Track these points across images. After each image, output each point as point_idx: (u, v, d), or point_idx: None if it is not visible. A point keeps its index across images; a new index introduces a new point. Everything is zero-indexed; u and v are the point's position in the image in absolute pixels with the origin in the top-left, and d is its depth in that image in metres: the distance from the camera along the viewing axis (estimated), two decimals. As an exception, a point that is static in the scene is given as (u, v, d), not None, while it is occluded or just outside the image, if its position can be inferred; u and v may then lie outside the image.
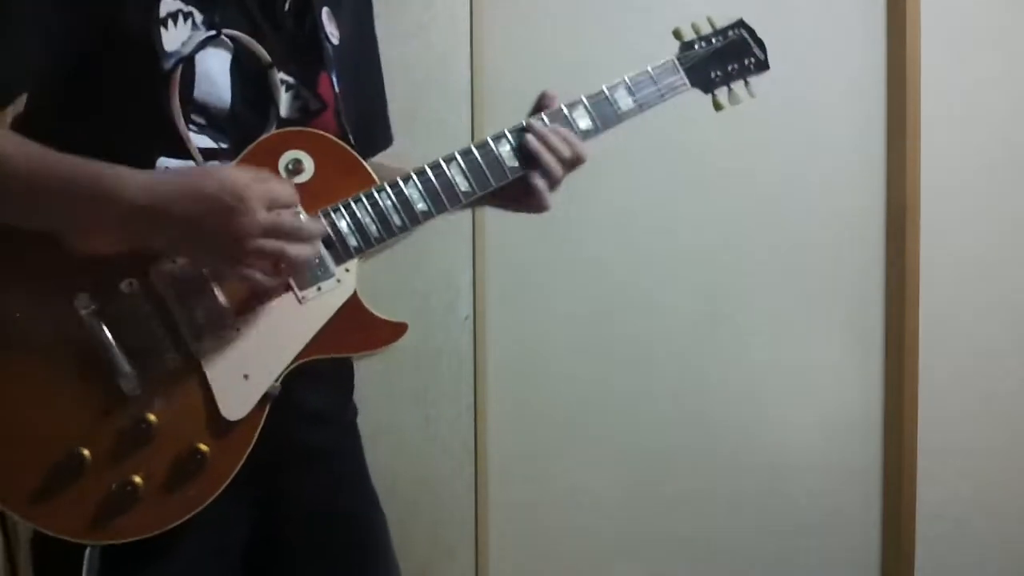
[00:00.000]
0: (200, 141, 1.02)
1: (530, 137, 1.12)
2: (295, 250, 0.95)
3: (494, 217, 1.93)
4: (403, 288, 1.86)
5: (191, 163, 1.00)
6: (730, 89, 1.28)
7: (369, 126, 1.19)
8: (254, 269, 0.95)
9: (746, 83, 1.29)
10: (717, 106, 1.27)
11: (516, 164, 1.12)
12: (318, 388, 1.13)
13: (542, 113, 1.14)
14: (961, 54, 2.01)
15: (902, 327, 2.00)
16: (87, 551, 0.97)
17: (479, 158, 1.10)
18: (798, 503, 2.05)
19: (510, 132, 1.12)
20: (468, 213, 1.91)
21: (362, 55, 1.25)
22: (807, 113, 1.99)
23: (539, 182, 1.13)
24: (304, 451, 1.14)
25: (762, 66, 1.29)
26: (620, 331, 2.00)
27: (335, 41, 1.14)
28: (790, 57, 1.97)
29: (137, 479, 0.95)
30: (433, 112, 1.91)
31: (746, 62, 1.28)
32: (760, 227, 2.01)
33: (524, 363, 1.99)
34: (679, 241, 2.00)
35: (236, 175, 0.93)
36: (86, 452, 0.94)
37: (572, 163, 1.14)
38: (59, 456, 0.94)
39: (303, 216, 0.98)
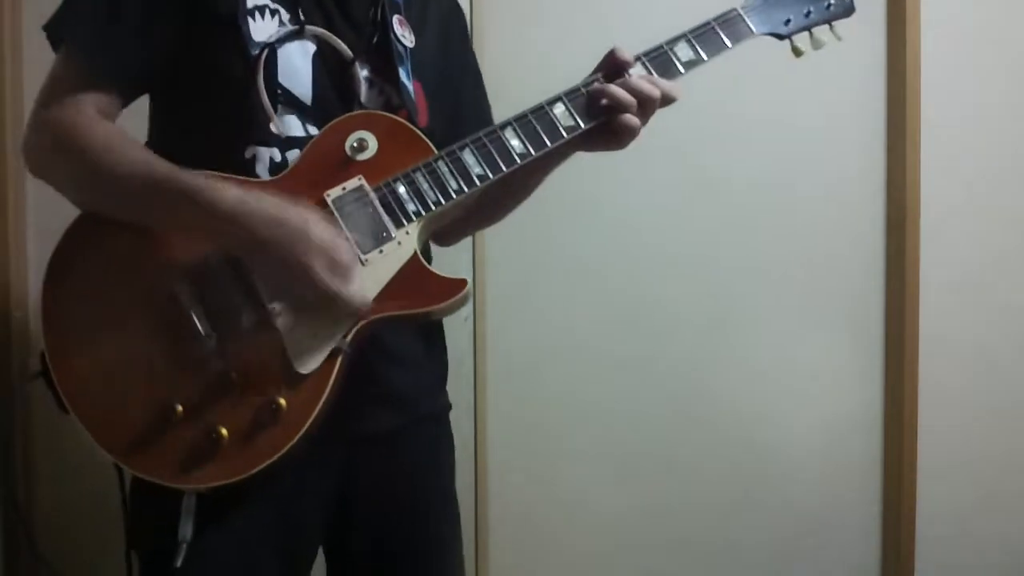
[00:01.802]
0: (289, 126, 1.13)
1: (612, 88, 1.16)
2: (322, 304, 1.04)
3: (494, 217, 1.94)
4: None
5: (276, 151, 1.12)
6: (812, 35, 1.26)
7: (460, 135, 1.22)
8: (291, 300, 1.05)
9: (831, 26, 1.27)
10: (796, 52, 1.26)
11: (573, 123, 1.17)
12: (404, 370, 1.21)
13: (641, 55, 1.19)
14: (961, 54, 2.01)
15: (902, 328, 2.00)
16: (184, 497, 1.06)
17: (533, 121, 1.16)
18: (798, 503, 2.05)
19: (570, 92, 1.18)
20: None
21: (449, 65, 1.33)
22: (806, 114, 1.99)
23: (625, 119, 1.16)
24: (378, 433, 1.21)
25: (848, 9, 1.27)
26: (620, 332, 2.00)
27: (408, 43, 1.22)
28: (789, 57, 1.98)
29: (222, 429, 1.04)
30: (433, 112, 1.91)
31: (827, 5, 1.27)
32: (759, 228, 2.01)
33: (524, 363, 1.99)
34: (678, 241, 2.00)
35: (321, 226, 1.04)
36: (178, 406, 1.04)
37: (663, 103, 1.18)
38: (155, 410, 1.05)
39: (352, 287, 1.05)
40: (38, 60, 1.17)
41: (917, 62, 1.97)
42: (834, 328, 2.04)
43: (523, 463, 2.00)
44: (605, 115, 1.17)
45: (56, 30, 1.13)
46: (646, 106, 1.16)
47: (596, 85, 1.18)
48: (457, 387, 1.95)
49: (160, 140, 1.17)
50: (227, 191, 1.04)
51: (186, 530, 1.06)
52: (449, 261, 1.97)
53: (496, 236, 1.94)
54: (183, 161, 1.07)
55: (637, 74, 1.18)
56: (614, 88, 1.16)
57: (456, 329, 1.94)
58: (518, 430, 2.00)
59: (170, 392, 1.05)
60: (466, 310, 1.94)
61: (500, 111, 1.91)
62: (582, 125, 1.17)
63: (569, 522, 2.02)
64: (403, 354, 1.20)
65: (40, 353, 1.07)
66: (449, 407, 1.35)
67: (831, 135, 2.01)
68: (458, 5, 1.41)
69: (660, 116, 1.21)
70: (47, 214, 1.67)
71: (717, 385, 2.02)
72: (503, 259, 1.96)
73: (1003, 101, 2.03)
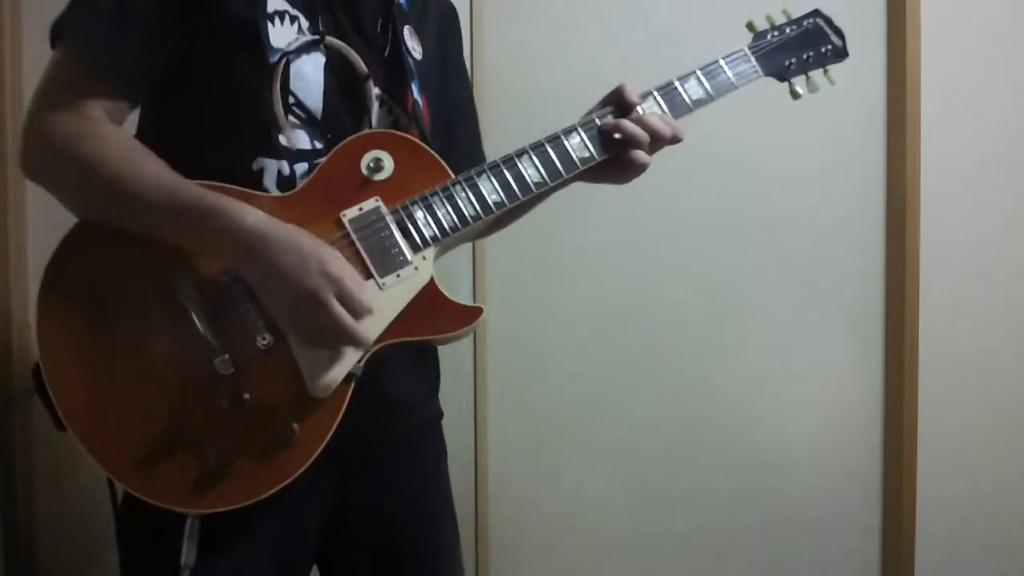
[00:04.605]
0: (299, 139, 1.09)
1: (625, 122, 1.16)
2: (335, 341, 1.03)
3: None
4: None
5: (284, 163, 1.08)
6: (808, 77, 1.29)
7: (451, 149, 1.20)
8: (297, 328, 1.02)
9: (825, 71, 1.30)
10: (794, 94, 1.29)
11: (587, 154, 1.17)
12: (402, 379, 1.19)
13: (653, 90, 1.19)
14: (961, 54, 2.01)
15: (902, 327, 2.00)
16: (187, 522, 1.03)
17: (549, 150, 1.16)
18: (798, 502, 2.05)
19: (585, 123, 1.17)
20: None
21: (446, 78, 1.29)
22: (807, 113, 1.98)
23: (636, 154, 1.17)
24: (378, 441, 1.19)
25: (841, 54, 1.31)
26: (620, 330, 2.00)
27: (417, 56, 1.20)
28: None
29: (232, 453, 1.02)
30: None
31: (823, 50, 1.30)
32: (760, 225, 2.01)
33: (524, 363, 1.99)
34: (680, 240, 2.00)
35: (336, 259, 1.02)
36: (186, 428, 1.02)
37: (670, 142, 1.19)
38: (161, 432, 1.01)
39: (363, 326, 1.03)
40: (40, 60, 1.13)
41: (917, 62, 1.97)
42: (834, 328, 2.04)
43: (523, 463, 2.00)
44: (616, 149, 1.17)
45: (62, 28, 1.07)
46: (656, 144, 1.18)
47: (610, 119, 1.18)
48: (457, 387, 1.96)
49: (156, 145, 1.09)
50: (248, 215, 1.01)
51: (190, 556, 1.03)
52: (449, 260, 1.97)
53: (496, 235, 1.93)
54: (184, 169, 1.04)
55: (651, 110, 1.19)
56: (629, 124, 1.16)
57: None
58: (518, 430, 2.00)
59: (178, 412, 1.01)
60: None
61: (500, 111, 1.92)
62: (596, 157, 1.17)
63: (569, 522, 2.02)
64: (400, 363, 1.18)
65: (34, 367, 1.03)
66: (441, 415, 1.33)
67: (832, 135, 2.01)
68: (454, 7, 1.36)
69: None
70: (48, 214, 1.66)
71: (718, 385, 2.02)
72: (503, 256, 1.96)
73: (1003, 101, 2.03)
